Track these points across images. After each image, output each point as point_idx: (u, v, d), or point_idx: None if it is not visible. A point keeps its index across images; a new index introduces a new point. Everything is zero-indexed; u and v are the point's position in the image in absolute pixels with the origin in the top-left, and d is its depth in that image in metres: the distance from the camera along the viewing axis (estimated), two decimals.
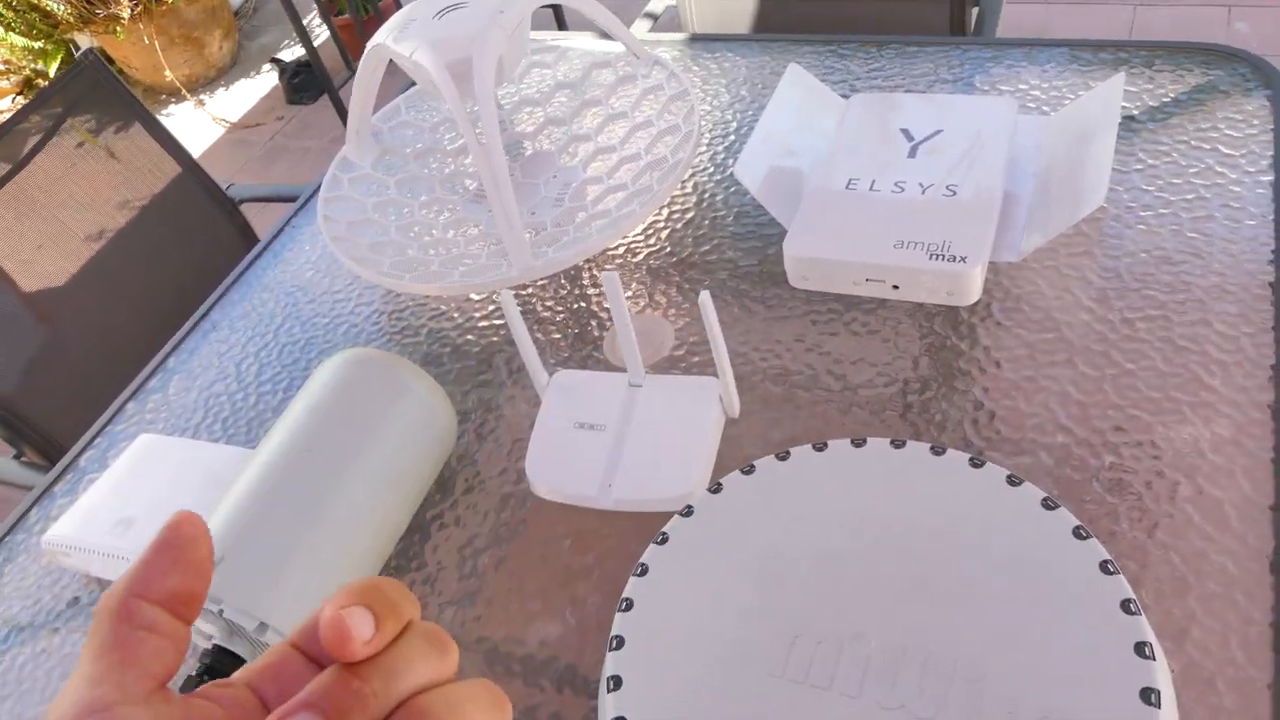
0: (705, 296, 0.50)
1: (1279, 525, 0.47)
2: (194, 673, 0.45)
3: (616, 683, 0.41)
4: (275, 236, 0.81)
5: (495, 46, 0.61)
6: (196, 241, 1.10)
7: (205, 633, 0.46)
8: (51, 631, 0.58)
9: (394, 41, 0.64)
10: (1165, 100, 0.68)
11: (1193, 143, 0.65)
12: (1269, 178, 0.61)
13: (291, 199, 1.12)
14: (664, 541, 0.46)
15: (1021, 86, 0.72)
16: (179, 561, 0.24)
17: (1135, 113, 0.68)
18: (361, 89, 0.70)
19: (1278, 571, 0.45)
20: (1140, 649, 0.38)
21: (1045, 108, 0.70)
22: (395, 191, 0.75)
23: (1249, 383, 0.52)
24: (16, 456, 1.00)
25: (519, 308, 0.67)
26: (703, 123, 0.77)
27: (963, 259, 0.53)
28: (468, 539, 0.55)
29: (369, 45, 0.67)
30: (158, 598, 0.24)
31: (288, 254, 0.79)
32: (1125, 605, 0.40)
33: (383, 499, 0.52)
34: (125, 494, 0.58)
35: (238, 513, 0.48)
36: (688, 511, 0.47)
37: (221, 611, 0.44)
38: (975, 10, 1.13)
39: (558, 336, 0.65)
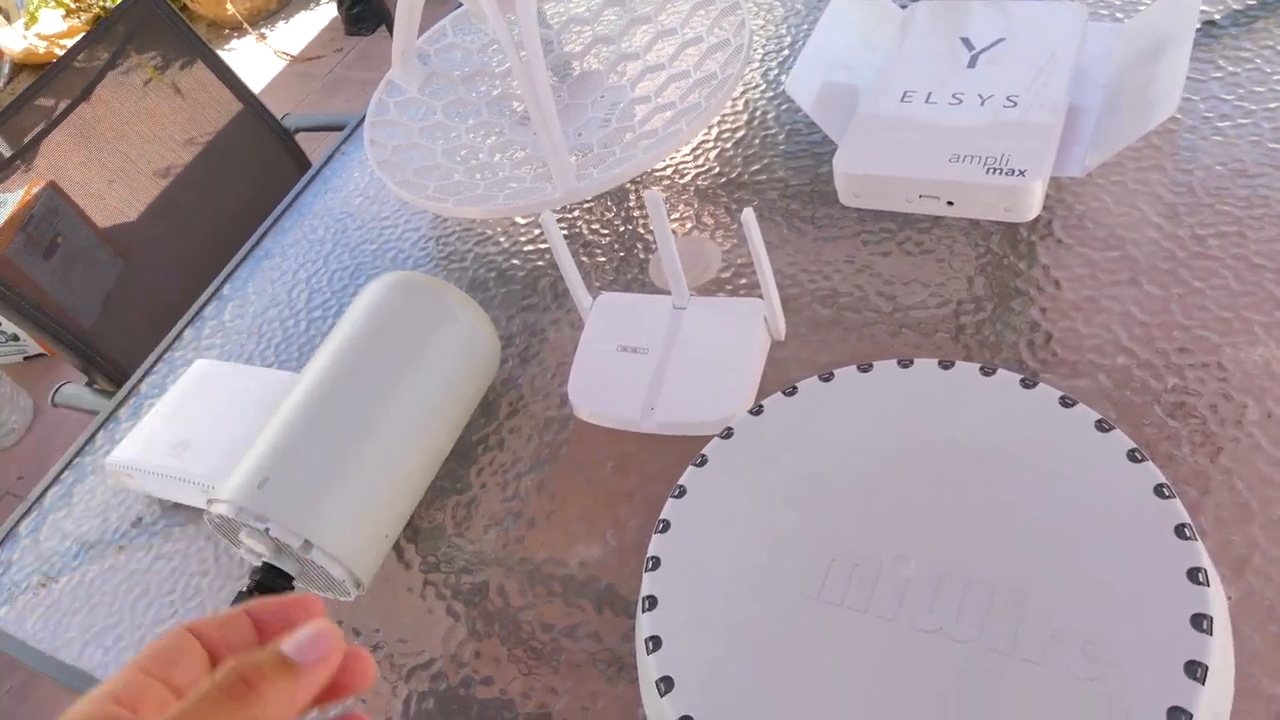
0: (749, 214, 0.49)
1: None
2: (244, 589, 0.46)
3: (651, 603, 0.41)
4: (325, 164, 0.81)
5: None
6: (255, 172, 1.12)
7: (256, 550, 0.47)
8: (118, 549, 0.60)
9: None
10: (1250, 3, 0.63)
11: (1278, 48, 0.60)
12: None
13: (342, 128, 1.13)
14: (702, 464, 0.46)
15: None
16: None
17: (1216, 17, 0.63)
18: (405, 10, 0.69)
19: None
20: (1194, 575, 0.37)
21: (1119, 14, 0.66)
22: (442, 115, 0.74)
23: None
24: (89, 384, 1.04)
25: (564, 231, 0.66)
26: (755, 38, 0.75)
27: (1021, 173, 0.50)
28: (511, 462, 0.56)
29: None
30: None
31: (337, 181, 0.79)
32: (1180, 530, 0.38)
33: (426, 422, 0.52)
34: (183, 417, 0.59)
35: (283, 435, 0.48)
36: (727, 434, 0.47)
37: (269, 530, 0.45)
38: None
39: (603, 259, 0.64)
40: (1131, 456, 0.41)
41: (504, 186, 0.66)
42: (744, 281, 0.60)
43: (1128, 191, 0.56)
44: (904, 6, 0.68)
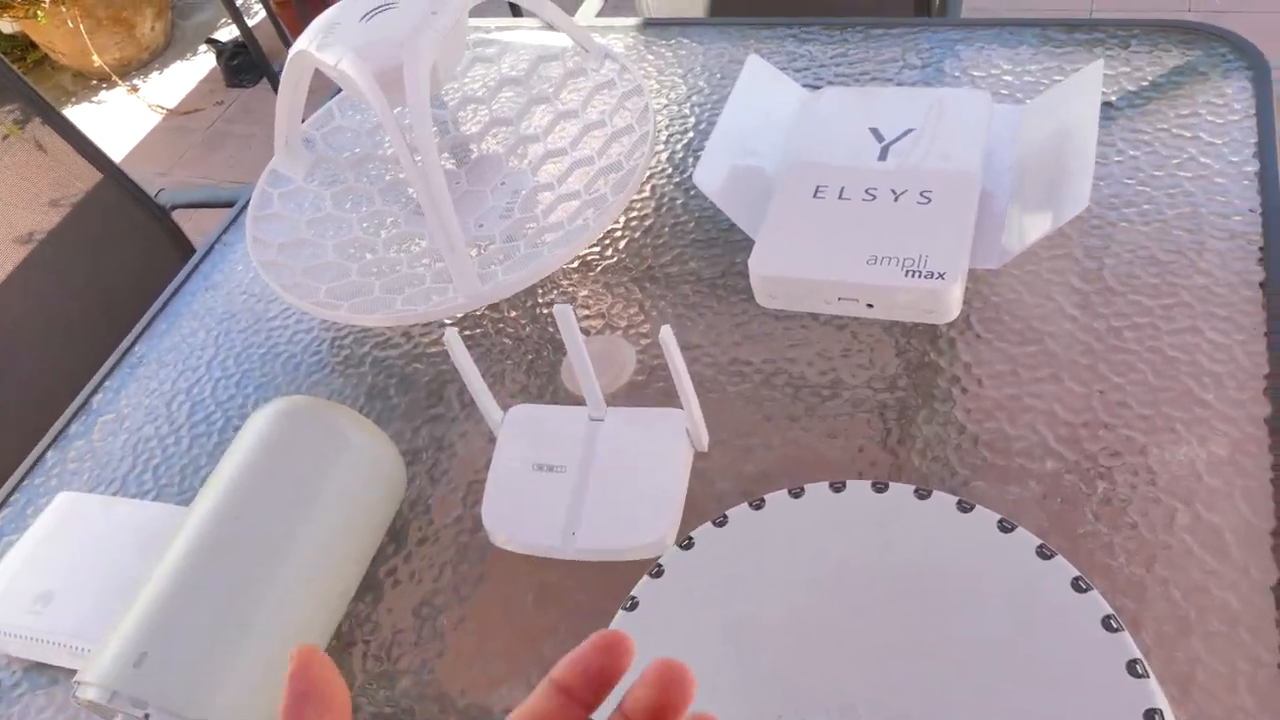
0: (666, 332, 0.46)
1: None
2: None
3: None
4: (204, 256, 0.76)
5: (428, 52, 0.56)
6: (126, 251, 1.04)
7: None
8: None
9: (318, 49, 0.58)
10: (1143, 84, 0.65)
11: (1174, 130, 0.61)
12: (1253, 168, 0.58)
13: (224, 204, 1.06)
14: (633, 607, 0.43)
15: (994, 71, 0.68)
16: (324, 709, 0.23)
17: (1113, 98, 0.64)
18: (286, 99, 0.65)
19: None
20: (1150, 716, 0.36)
21: (1019, 94, 0.66)
22: (332, 206, 0.70)
23: (1243, 395, 0.49)
24: None
25: (465, 334, 0.62)
26: (659, 120, 0.73)
27: (941, 275, 0.49)
28: (424, 597, 0.51)
29: (291, 52, 0.61)
30: None
31: (218, 275, 0.74)
32: (1131, 666, 0.37)
33: (328, 566, 0.47)
34: (44, 563, 0.53)
35: (163, 596, 0.43)
36: (657, 572, 0.44)
37: (148, 716, 0.40)
38: None
39: (510, 363, 0.61)
40: (1076, 585, 0.39)
41: (401, 288, 0.62)
42: (661, 384, 0.58)
43: (1042, 281, 0.56)
44: (810, 87, 0.67)
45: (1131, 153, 0.61)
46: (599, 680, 0.24)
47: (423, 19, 0.57)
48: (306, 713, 0.23)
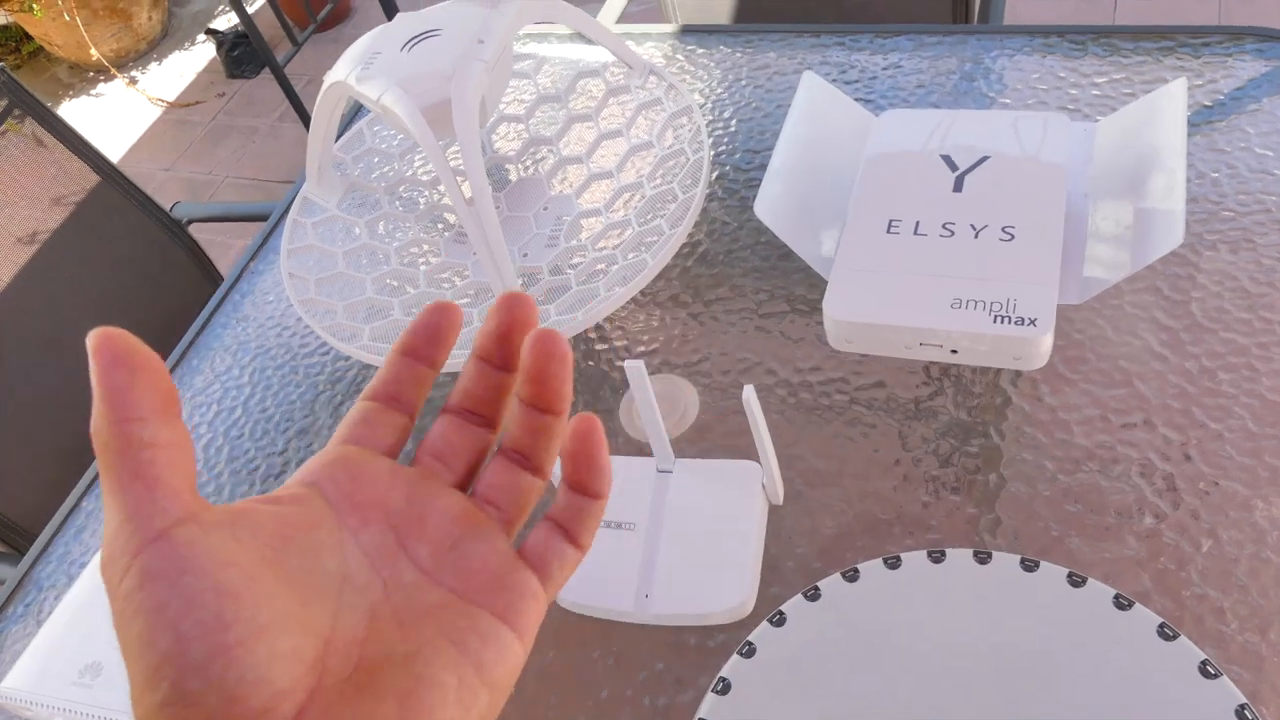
0: (750, 393, 0.43)
1: None
2: None
3: None
4: (233, 285, 0.73)
5: (477, 86, 0.53)
6: (140, 266, 1.01)
7: None
8: None
9: (357, 81, 0.55)
10: (1219, 97, 0.62)
11: (1256, 150, 0.58)
12: None
13: (245, 219, 1.03)
14: (725, 690, 0.40)
15: (1058, 85, 0.65)
16: (136, 370, 0.23)
17: (1188, 113, 0.61)
18: (320, 127, 0.62)
19: None
20: None
21: (1087, 109, 0.63)
22: (367, 235, 0.67)
23: None
24: None
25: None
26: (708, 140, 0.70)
27: (1032, 322, 0.47)
28: None
29: (326, 82, 0.58)
30: (142, 413, 0.22)
31: (248, 307, 0.71)
32: None
33: None
34: (88, 630, 0.51)
35: None
36: (748, 651, 0.41)
37: None
38: None
39: None
40: (1204, 671, 0.37)
41: None
42: (724, 429, 0.55)
43: (1126, 317, 0.53)
44: (867, 102, 0.64)
45: (1213, 174, 0.58)
46: (435, 337, 0.28)
47: (469, 48, 0.54)
48: (118, 377, 0.22)
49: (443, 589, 0.26)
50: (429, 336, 0.29)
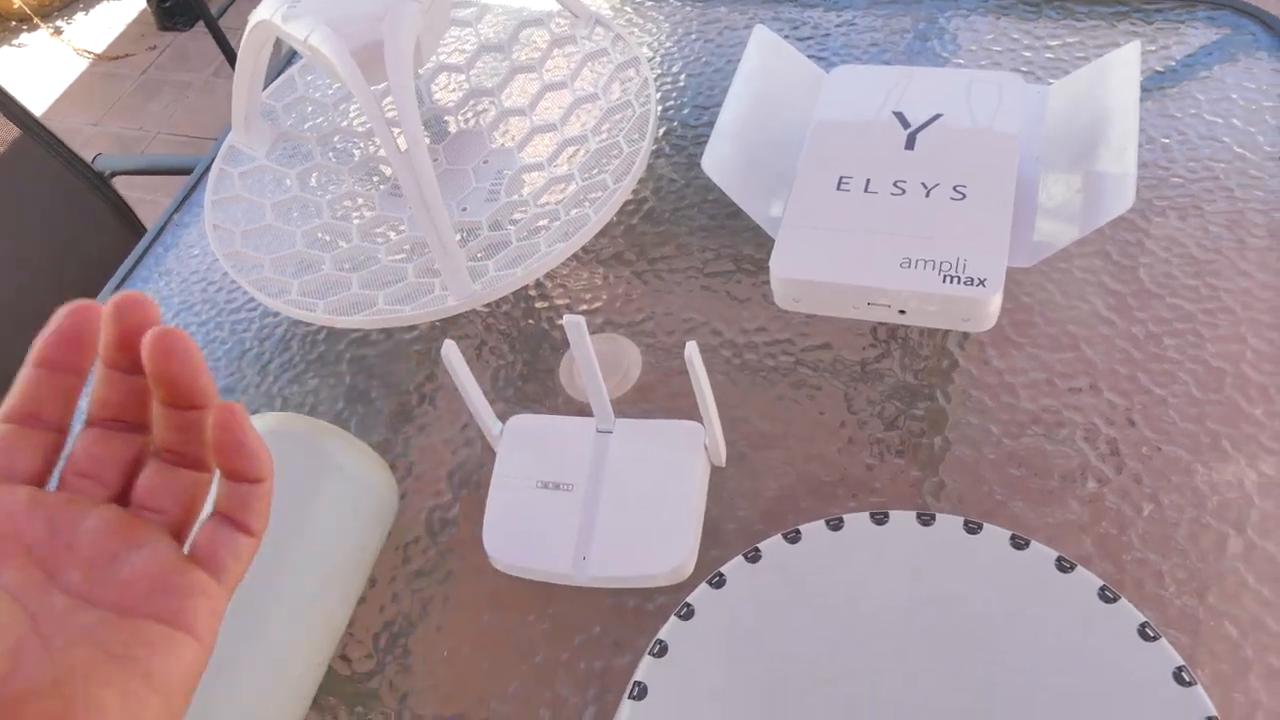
0: (692, 349, 0.42)
1: None
2: None
3: None
4: (154, 239, 0.69)
5: (411, 27, 0.50)
6: (60, 222, 0.96)
7: None
8: None
9: (283, 20, 0.52)
10: (1171, 64, 0.61)
11: (1206, 116, 0.58)
12: None
13: (171, 172, 0.99)
14: (661, 653, 0.39)
15: (1012, 46, 0.64)
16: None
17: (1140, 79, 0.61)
18: (245, 72, 0.59)
19: None
20: None
21: (1040, 71, 0.62)
22: (298, 186, 0.64)
23: None
24: None
25: (452, 332, 0.57)
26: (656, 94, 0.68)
27: (981, 282, 0.46)
28: (422, 634, 0.47)
29: (251, 21, 0.55)
30: None
31: (171, 261, 0.68)
32: None
33: (317, 602, 0.43)
34: None
35: None
36: (686, 613, 0.40)
37: None
38: None
39: (503, 364, 0.56)
40: (1143, 633, 0.37)
41: (381, 284, 0.56)
42: (666, 389, 0.53)
43: (1075, 281, 0.53)
44: (820, 59, 0.63)
45: (1163, 140, 0.58)
46: (76, 342, 0.26)
47: None
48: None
49: (99, 609, 0.25)
50: (69, 342, 0.26)
